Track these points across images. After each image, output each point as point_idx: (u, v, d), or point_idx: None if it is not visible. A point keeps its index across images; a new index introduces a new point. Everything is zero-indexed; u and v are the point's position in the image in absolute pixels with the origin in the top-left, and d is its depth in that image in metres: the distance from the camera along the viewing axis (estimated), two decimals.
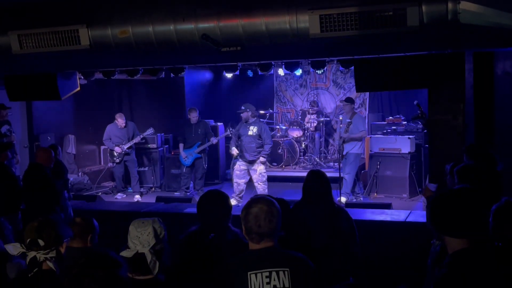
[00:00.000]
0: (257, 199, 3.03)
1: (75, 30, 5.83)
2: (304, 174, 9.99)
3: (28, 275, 2.99)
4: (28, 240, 3.03)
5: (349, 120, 9.33)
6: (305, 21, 5.20)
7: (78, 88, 8.15)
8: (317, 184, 4.48)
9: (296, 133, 12.08)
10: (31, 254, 3.01)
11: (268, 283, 2.84)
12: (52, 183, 6.87)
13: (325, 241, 4.18)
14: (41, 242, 3.01)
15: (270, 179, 11.26)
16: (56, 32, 5.89)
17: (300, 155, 11.87)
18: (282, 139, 12.09)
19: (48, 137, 10.99)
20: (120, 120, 10.68)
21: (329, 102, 13.65)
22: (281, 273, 2.86)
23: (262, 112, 12.74)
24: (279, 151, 11.98)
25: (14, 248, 3.06)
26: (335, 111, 13.12)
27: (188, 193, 10.56)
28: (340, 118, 9.38)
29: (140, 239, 2.97)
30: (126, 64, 7.09)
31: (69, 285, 2.27)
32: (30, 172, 6.97)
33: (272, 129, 12.59)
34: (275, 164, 11.99)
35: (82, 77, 8.28)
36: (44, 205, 6.61)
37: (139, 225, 3.03)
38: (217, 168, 12.09)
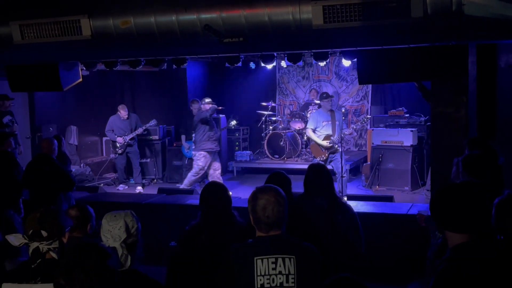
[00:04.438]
0: (262, 189, 3.06)
1: (76, 21, 5.81)
2: (306, 166, 10.00)
3: (31, 266, 2.98)
4: (30, 231, 3.03)
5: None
6: (308, 12, 5.16)
7: (80, 79, 8.14)
8: (318, 178, 4.44)
9: (298, 125, 12.06)
10: (34, 245, 3.00)
11: (274, 268, 2.88)
12: (64, 171, 6.89)
13: (325, 235, 4.16)
14: (44, 233, 3.00)
15: (272, 171, 11.28)
16: (58, 22, 5.87)
17: (302, 148, 11.85)
18: (284, 131, 12.07)
19: (50, 128, 11.01)
20: (122, 112, 10.69)
21: (332, 95, 13.60)
22: (287, 259, 2.90)
23: (264, 104, 12.74)
24: (281, 143, 11.96)
25: (16, 239, 3.05)
26: (338, 104, 13.08)
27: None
28: (343, 111, 9.31)
29: (112, 233, 3.01)
30: (128, 54, 7.07)
31: (58, 275, 2.28)
32: (38, 162, 6.97)
33: (274, 122, 12.58)
34: (277, 156, 11.98)
35: (84, 68, 8.27)
36: (51, 195, 6.64)
37: (111, 219, 3.06)
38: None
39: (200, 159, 9.68)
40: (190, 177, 9.84)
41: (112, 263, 2.34)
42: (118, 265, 2.97)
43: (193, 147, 9.92)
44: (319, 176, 4.45)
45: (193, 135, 9.92)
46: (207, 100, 9.91)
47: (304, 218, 4.21)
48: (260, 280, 2.87)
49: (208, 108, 9.83)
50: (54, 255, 2.98)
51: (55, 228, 3.04)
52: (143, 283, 3.03)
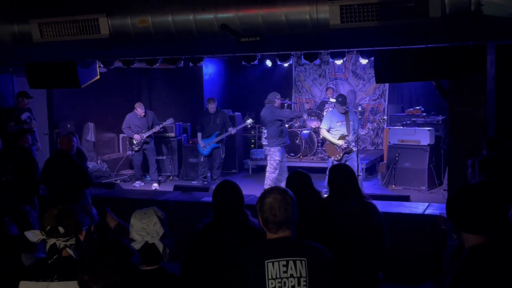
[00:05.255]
0: (270, 189, 3.06)
1: (95, 19, 5.84)
2: (322, 165, 9.99)
3: (48, 262, 3.02)
4: (48, 227, 3.06)
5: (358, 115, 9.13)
6: (325, 12, 5.14)
7: (98, 77, 8.20)
8: (344, 179, 4.38)
9: (314, 124, 12.03)
10: (51, 241, 3.03)
11: (285, 271, 2.86)
12: (82, 168, 6.97)
13: (358, 238, 4.11)
14: (61, 230, 3.03)
15: (288, 170, 11.27)
16: (76, 21, 5.91)
17: (318, 146, 11.83)
18: (300, 129, 12.06)
19: (68, 125, 11.11)
20: (139, 110, 10.74)
21: (348, 93, 13.56)
22: (298, 262, 2.88)
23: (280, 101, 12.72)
24: (297, 141, 11.95)
25: (34, 235, 3.09)
26: (354, 102, 13.03)
27: (205, 182, 10.62)
28: (360, 109, 9.27)
29: (147, 230, 3.00)
30: (145, 53, 7.11)
31: (82, 271, 2.30)
32: (57, 158, 7.05)
33: (290, 120, 12.57)
34: (293, 154, 11.97)
35: (102, 66, 8.34)
36: (71, 191, 6.71)
37: (142, 216, 3.05)
38: (234, 157, 12.12)
39: (275, 153, 9.49)
40: (270, 175, 9.51)
41: (135, 261, 2.36)
42: (159, 260, 2.99)
43: (265, 143, 9.70)
44: (344, 176, 4.40)
45: (265, 130, 9.73)
46: (278, 95, 9.81)
47: (335, 220, 4.17)
48: (272, 283, 2.85)
49: (280, 103, 9.78)
50: (70, 252, 3.01)
51: (72, 224, 3.07)
52: (170, 281, 3.04)
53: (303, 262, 2.88)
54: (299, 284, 2.85)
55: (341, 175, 4.44)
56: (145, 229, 3.00)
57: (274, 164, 9.50)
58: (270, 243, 2.98)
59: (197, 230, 4.09)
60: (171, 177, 11.75)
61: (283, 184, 4.97)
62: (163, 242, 2.99)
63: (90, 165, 11.09)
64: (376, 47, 6.10)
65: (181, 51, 6.76)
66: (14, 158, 7.17)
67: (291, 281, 2.85)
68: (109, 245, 2.37)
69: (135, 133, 10.71)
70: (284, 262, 2.87)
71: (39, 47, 6.30)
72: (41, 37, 6.09)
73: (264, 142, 9.78)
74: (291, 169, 11.04)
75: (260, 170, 12.28)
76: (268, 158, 9.58)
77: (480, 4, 4.71)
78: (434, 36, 5.38)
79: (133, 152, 10.96)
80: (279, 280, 2.85)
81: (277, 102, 9.64)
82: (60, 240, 3.02)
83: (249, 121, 11.09)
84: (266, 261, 2.88)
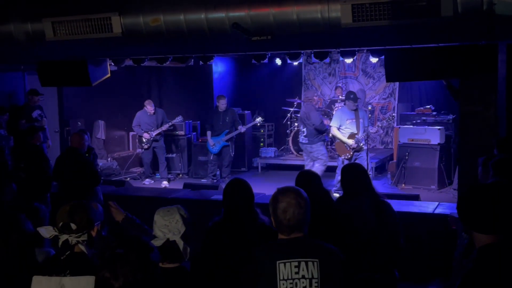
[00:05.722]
0: (283, 191, 3.02)
1: (107, 18, 5.88)
2: (332, 163, 9.94)
3: (60, 258, 3.06)
4: (60, 223, 3.10)
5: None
6: (337, 11, 5.15)
7: (109, 75, 8.24)
8: (357, 178, 4.37)
9: (324, 122, 12.02)
10: (63, 237, 3.07)
11: (296, 272, 2.85)
12: (92, 167, 7.01)
13: (372, 236, 4.12)
14: (73, 226, 3.06)
15: (297, 168, 11.26)
16: (89, 19, 5.95)
17: (327, 145, 11.82)
18: None
19: (79, 123, 11.17)
20: (149, 107, 10.78)
21: (358, 92, 13.54)
22: (310, 263, 2.86)
23: (289, 100, 12.74)
24: None
25: (47, 231, 3.12)
26: (364, 101, 13.00)
27: (215, 181, 10.64)
28: (369, 108, 9.26)
29: (169, 227, 3.01)
30: (156, 52, 7.13)
31: (102, 267, 2.33)
32: (67, 155, 7.10)
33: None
34: (302, 152, 11.96)
35: (113, 64, 8.38)
36: (81, 188, 6.75)
37: (165, 213, 3.07)
38: (243, 156, 12.14)
39: (320, 149, 9.57)
40: (322, 172, 9.29)
41: (154, 257, 2.38)
42: (179, 258, 3.01)
43: (305, 141, 9.66)
44: (357, 175, 4.39)
45: (303, 129, 9.67)
46: (316, 93, 9.75)
47: (346, 219, 4.17)
48: (283, 284, 2.84)
49: (317, 100, 9.76)
50: (82, 248, 3.05)
51: (84, 221, 3.11)
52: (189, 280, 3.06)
53: (315, 263, 2.86)
54: (310, 285, 2.84)
55: (354, 174, 4.42)
56: (167, 226, 3.02)
57: (324, 158, 9.56)
58: (282, 243, 2.97)
59: (208, 227, 4.12)
60: (180, 175, 11.79)
61: None
62: (183, 240, 3.01)
63: (101, 162, 11.16)
64: (388, 46, 6.09)
65: (193, 49, 6.78)
66: (26, 156, 7.22)
67: (303, 282, 2.84)
68: (129, 242, 2.40)
69: (144, 131, 10.76)
70: (296, 263, 2.86)
71: (52, 45, 6.35)
72: (54, 36, 6.14)
73: (304, 140, 9.69)
74: (299, 168, 11.11)
75: (270, 168, 12.32)
76: (313, 155, 9.60)
77: (492, 3, 4.70)
78: (446, 35, 5.37)
79: (143, 150, 11.01)
80: (291, 281, 2.84)
81: (315, 99, 9.60)
82: (72, 236, 3.06)
83: (259, 119, 11.09)
84: (278, 262, 2.87)
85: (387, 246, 4.20)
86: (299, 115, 9.76)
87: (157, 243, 2.97)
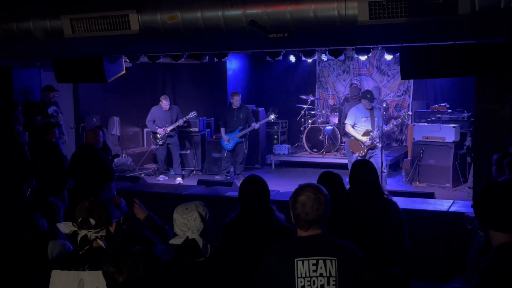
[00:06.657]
0: (304, 187, 3.04)
1: (125, 15, 5.92)
2: (345, 161, 9.94)
3: (79, 253, 3.11)
4: (79, 219, 3.15)
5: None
6: (353, 8, 5.15)
7: (124, 71, 8.27)
8: (365, 175, 4.38)
9: (337, 120, 12.03)
10: (82, 232, 3.13)
11: (314, 271, 2.86)
12: (104, 164, 7.06)
13: (374, 232, 4.12)
14: (92, 221, 3.13)
15: (311, 165, 11.31)
16: (107, 16, 5.99)
17: (341, 142, 11.82)
18: (324, 125, 12.05)
19: (94, 119, 11.24)
20: (164, 102, 10.81)
21: (373, 89, 13.50)
22: (328, 261, 2.87)
23: (303, 97, 12.75)
24: (320, 137, 11.95)
25: (66, 227, 3.18)
26: (379, 98, 12.97)
27: (228, 177, 10.68)
28: (384, 105, 9.24)
29: (188, 225, 3.03)
30: (173, 49, 7.16)
31: (107, 262, 2.38)
32: (83, 152, 7.16)
33: (313, 115, 12.57)
34: (316, 150, 11.99)
35: (128, 60, 8.42)
36: (95, 185, 6.81)
37: (184, 211, 3.08)
38: (257, 152, 12.18)
39: None
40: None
41: (158, 252, 2.42)
42: (200, 256, 3.03)
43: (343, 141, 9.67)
44: (365, 172, 4.39)
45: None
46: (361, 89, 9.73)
47: (353, 214, 4.19)
48: (301, 282, 2.85)
49: None
50: (101, 243, 3.10)
51: (103, 217, 3.17)
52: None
53: (333, 261, 2.87)
54: (328, 284, 2.85)
55: (363, 170, 4.43)
56: (186, 224, 3.04)
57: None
58: (300, 241, 2.98)
59: (225, 223, 4.15)
60: (194, 172, 11.84)
61: None
62: (202, 237, 3.02)
63: (115, 159, 11.22)
64: (404, 44, 6.08)
65: (209, 47, 6.81)
66: (42, 152, 7.29)
67: (321, 280, 2.85)
68: (132, 237, 2.45)
69: (158, 127, 10.80)
70: (314, 261, 2.87)
71: (70, 42, 6.40)
72: (72, 33, 6.19)
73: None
74: (313, 165, 11.11)
75: (283, 165, 12.33)
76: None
77: (510, 1, 4.67)
78: (463, 33, 5.34)
79: (157, 146, 11.07)
80: (308, 278, 2.86)
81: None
82: (91, 232, 3.12)
83: (272, 116, 11.11)
84: (296, 259, 2.88)
85: (390, 245, 4.18)
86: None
87: (177, 241, 3.01)
